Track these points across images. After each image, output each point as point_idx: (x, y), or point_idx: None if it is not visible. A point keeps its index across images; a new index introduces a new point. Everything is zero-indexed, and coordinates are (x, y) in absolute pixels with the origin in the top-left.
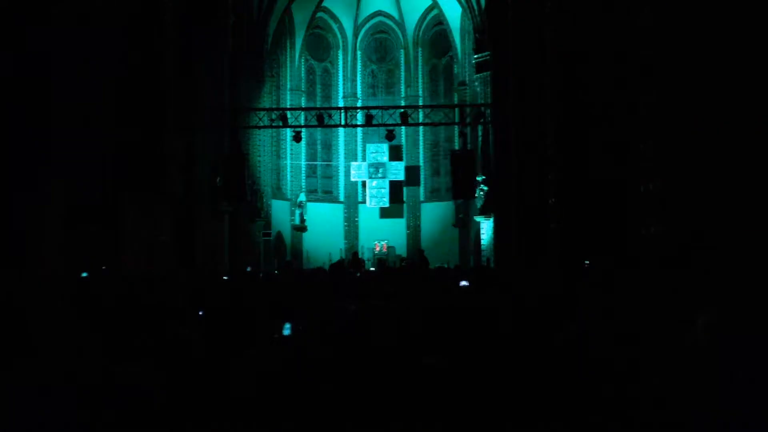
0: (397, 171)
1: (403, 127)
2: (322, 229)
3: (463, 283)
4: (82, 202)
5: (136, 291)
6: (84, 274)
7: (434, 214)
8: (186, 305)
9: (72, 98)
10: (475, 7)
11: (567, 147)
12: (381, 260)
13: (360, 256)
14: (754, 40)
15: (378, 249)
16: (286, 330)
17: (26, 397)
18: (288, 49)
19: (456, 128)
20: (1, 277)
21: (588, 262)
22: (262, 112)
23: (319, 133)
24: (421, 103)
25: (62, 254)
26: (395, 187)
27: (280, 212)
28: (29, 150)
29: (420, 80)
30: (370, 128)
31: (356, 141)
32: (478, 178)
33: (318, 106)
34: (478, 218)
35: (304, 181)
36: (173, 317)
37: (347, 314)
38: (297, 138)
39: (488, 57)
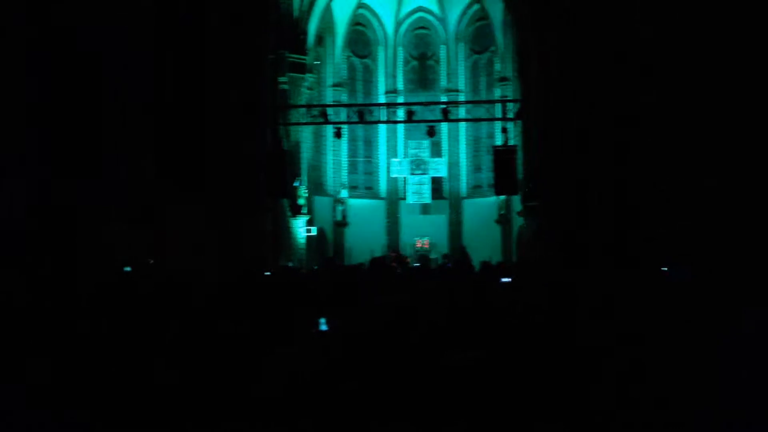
0: (439, 167)
1: (444, 123)
2: (364, 226)
3: (505, 279)
4: (127, 200)
5: (174, 287)
6: (127, 269)
7: (476, 210)
8: (224, 301)
9: (121, 98)
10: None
11: (608, 144)
12: (423, 256)
13: (402, 253)
14: None
15: (419, 245)
16: (322, 326)
17: (49, 390)
18: (329, 46)
19: (498, 124)
20: (49, 273)
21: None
22: (304, 109)
23: (360, 129)
24: (462, 99)
25: (108, 251)
26: (436, 184)
27: (322, 208)
28: (80, 150)
29: (461, 75)
30: (411, 124)
31: (397, 137)
32: (521, 174)
33: (359, 102)
34: (520, 214)
35: (345, 177)
36: (209, 314)
37: (379, 311)
38: (338, 134)
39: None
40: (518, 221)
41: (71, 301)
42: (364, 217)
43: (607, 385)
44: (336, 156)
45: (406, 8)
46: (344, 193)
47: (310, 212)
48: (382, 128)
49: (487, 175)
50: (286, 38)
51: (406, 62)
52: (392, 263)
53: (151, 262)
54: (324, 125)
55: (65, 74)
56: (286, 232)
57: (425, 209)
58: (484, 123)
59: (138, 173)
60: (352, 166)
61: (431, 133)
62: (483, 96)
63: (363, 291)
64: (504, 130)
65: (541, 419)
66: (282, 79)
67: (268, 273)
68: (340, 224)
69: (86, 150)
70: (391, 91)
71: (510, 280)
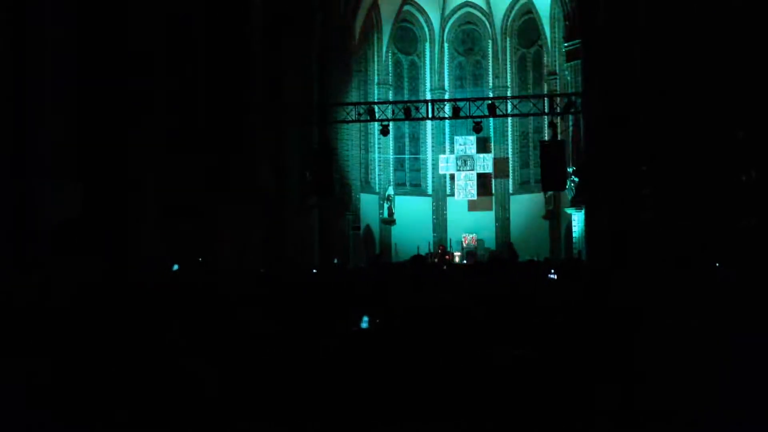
0: (486, 163)
1: (491, 119)
2: (411, 223)
3: (551, 276)
4: (176, 200)
5: (219, 284)
6: (175, 267)
7: (523, 206)
8: (268, 298)
9: (166, 98)
10: None
11: (662, 138)
12: (471, 253)
13: (448, 249)
14: None
15: (466, 242)
16: (364, 323)
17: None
18: (375, 44)
19: (545, 119)
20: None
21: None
22: (350, 107)
23: (406, 126)
24: (509, 94)
25: (157, 249)
26: (483, 180)
27: (368, 206)
28: (128, 150)
29: (508, 70)
30: (458, 120)
31: (444, 133)
32: (569, 169)
33: (405, 99)
34: (569, 210)
35: (392, 174)
36: (250, 310)
37: (420, 309)
38: (384, 132)
39: (579, 45)
40: (566, 217)
41: (118, 301)
42: (411, 214)
43: (653, 385)
44: (383, 153)
45: (453, 4)
46: (391, 190)
47: (356, 210)
48: (429, 125)
49: (534, 171)
50: (333, 37)
51: (453, 58)
52: (435, 260)
53: (200, 260)
54: (370, 123)
55: (92, 70)
56: (334, 230)
57: (472, 205)
58: (531, 118)
59: (187, 173)
60: (399, 163)
61: (478, 129)
62: (530, 91)
63: (401, 289)
64: (551, 125)
65: (586, 419)
66: (329, 77)
67: (315, 270)
68: (387, 221)
69: (113, 150)
70: (438, 87)
71: (556, 277)
